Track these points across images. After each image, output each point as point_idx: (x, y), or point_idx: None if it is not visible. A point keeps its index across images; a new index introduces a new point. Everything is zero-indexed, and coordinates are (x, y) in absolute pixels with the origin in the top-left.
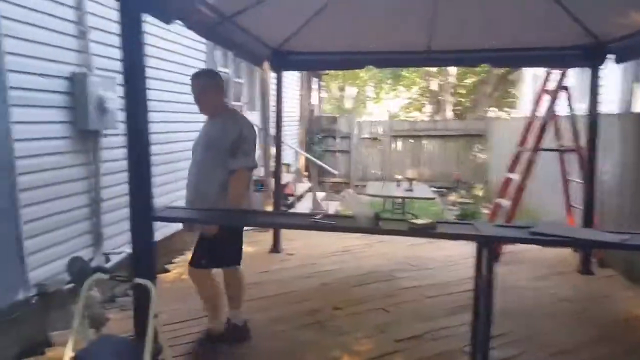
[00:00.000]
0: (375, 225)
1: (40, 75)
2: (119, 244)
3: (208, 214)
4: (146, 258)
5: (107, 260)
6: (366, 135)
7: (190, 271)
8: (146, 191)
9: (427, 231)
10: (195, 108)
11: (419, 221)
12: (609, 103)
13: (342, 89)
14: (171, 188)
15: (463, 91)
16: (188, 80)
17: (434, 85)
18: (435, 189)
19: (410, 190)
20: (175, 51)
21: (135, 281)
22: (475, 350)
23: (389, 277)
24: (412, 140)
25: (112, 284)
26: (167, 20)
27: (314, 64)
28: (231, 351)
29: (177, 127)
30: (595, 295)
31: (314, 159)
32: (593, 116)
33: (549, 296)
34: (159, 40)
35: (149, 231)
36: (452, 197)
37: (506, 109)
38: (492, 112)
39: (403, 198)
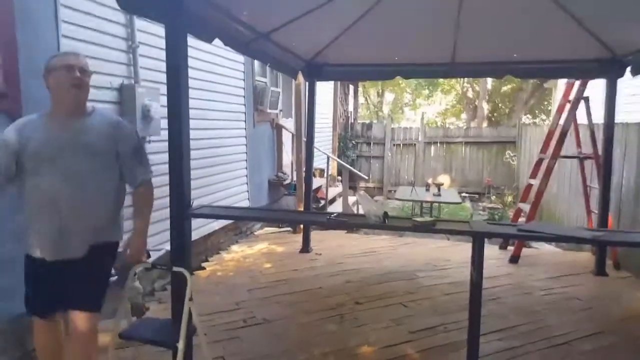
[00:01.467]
0: (382, 223)
1: (94, 87)
2: (158, 241)
3: (239, 210)
4: (183, 250)
5: (148, 256)
6: (400, 142)
7: (92, 326)
8: (184, 191)
9: (427, 227)
10: (236, 116)
11: (421, 219)
12: (635, 113)
13: (380, 95)
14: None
15: (498, 98)
16: (228, 90)
17: (469, 92)
18: (466, 194)
19: (439, 195)
20: (215, 62)
21: (174, 269)
22: (471, 338)
23: (410, 277)
24: (445, 147)
25: (153, 278)
26: (208, 40)
27: (345, 74)
28: (259, 338)
29: (222, 133)
30: (605, 294)
31: (345, 164)
32: (609, 125)
33: (560, 294)
34: (199, 52)
35: (186, 227)
36: (484, 202)
37: (542, 116)
38: (527, 119)
39: (431, 202)
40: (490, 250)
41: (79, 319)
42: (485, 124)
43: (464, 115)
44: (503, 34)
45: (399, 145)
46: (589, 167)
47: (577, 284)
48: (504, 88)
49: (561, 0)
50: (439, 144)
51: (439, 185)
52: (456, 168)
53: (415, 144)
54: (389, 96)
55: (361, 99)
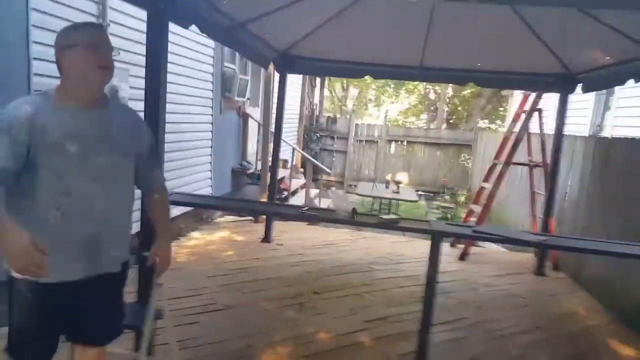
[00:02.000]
0: (351, 219)
1: None
2: None
3: (214, 199)
4: (152, 235)
5: None
6: (363, 137)
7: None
8: None
9: (391, 224)
10: (203, 101)
11: (386, 216)
12: (583, 126)
13: (345, 89)
14: (170, 176)
15: (458, 102)
16: (196, 74)
17: (432, 94)
18: (422, 193)
19: (397, 192)
20: (185, 46)
21: (143, 254)
22: (423, 328)
23: (367, 269)
24: (406, 145)
25: None
26: (185, 26)
27: (316, 69)
28: (220, 324)
29: (187, 118)
30: (544, 293)
31: (309, 156)
32: (558, 137)
33: (503, 291)
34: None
35: None
36: (438, 201)
37: (497, 121)
38: (483, 124)
39: (390, 199)
40: (442, 248)
41: (96, 355)
42: (444, 126)
43: (424, 116)
44: (469, 43)
45: (362, 141)
46: (537, 175)
47: (519, 282)
48: (464, 92)
49: (526, 18)
50: (400, 143)
51: (398, 183)
52: (415, 167)
53: (377, 141)
54: (353, 91)
55: (326, 92)
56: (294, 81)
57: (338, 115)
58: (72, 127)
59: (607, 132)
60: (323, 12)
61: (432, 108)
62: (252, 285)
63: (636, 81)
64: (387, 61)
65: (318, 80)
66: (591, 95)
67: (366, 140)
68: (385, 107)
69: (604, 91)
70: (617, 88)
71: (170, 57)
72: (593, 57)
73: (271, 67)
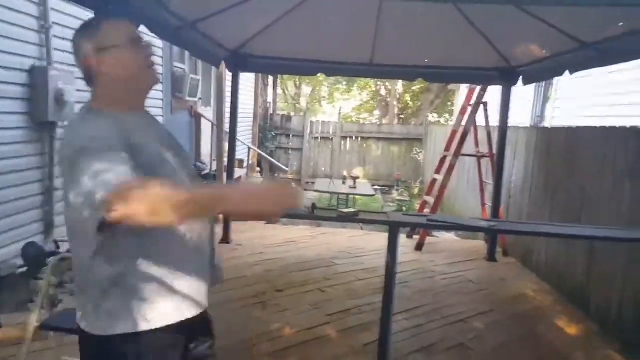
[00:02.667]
0: (311, 213)
1: (2, 67)
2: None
3: None
4: None
5: (57, 247)
6: (318, 135)
7: None
8: None
9: (350, 217)
10: (153, 102)
11: (345, 210)
12: (526, 117)
13: (297, 87)
14: None
15: (408, 97)
16: None
17: (383, 90)
18: (377, 187)
19: (354, 187)
20: None
21: None
22: (384, 318)
23: (327, 264)
24: (360, 141)
25: (63, 270)
26: (135, 26)
27: (268, 67)
28: None
29: None
30: (495, 278)
31: (265, 155)
32: (503, 128)
33: (458, 278)
34: None
35: None
36: (393, 194)
37: (446, 115)
38: (433, 118)
39: (347, 194)
40: (399, 239)
41: None
42: (395, 121)
43: (377, 112)
44: (416, 40)
45: (317, 138)
46: (485, 165)
47: (471, 268)
48: (414, 88)
49: (468, 14)
50: (354, 139)
51: (354, 178)
52: (370, 162)
53: (332, 138)
54: (306, 89)
55: (279, 91)
56: (247, 80)
57: (292, 113)
58: (155, 134)
59: (547, 123)
60: (273, 11)
61: (384, 104)
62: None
63: (571, 73)
64: (339, 58)
65: (270, 78)
66: (532, 87)
67: (321, 137)
68: (339, 104)
69: (543, 83)
70: (555, 80)
71: None
72: (531, 51)
73: (222, 66)
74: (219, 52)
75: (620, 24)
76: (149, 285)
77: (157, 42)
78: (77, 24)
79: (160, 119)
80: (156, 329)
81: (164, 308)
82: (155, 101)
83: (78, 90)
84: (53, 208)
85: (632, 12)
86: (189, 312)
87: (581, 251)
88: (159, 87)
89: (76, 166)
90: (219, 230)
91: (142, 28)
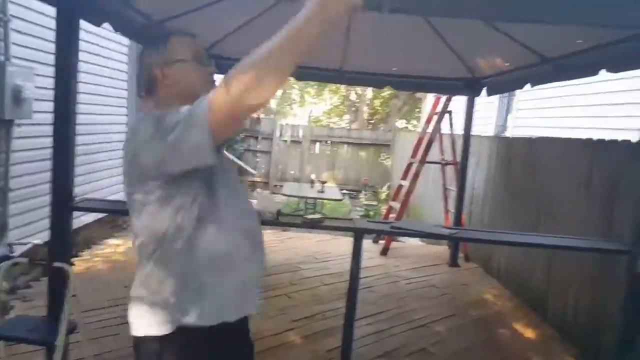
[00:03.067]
0: (276, 220)
1: None
2: (24, 234)
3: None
4: (64, 245)
5: (11, 250)
6: (287, 138)
7: None
8: (68, 182)
9: (315, 224)
10: (118, 101)
11: (310, 216)
12: (489, 126)
13: None
14: (83, 180)
15: (378, 103)
16: (109, 73)
17: (353, 95)
18: (346, 192)
19: (322, 192)
20: (96, 43)
21: (55, 265)
22: (347, 323)
23: (294, 269)
24: (330, 145)
25: (15, 275)
26: (97, 24)
27: None
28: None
29: (99, 119)
30: (457, 283)
31: (233, 157)
32: (467, 137)
33: (421, 283)
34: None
35: (68, 220)
36: (361, 199)
37: (414, 122)
38: (401, 124)
39: (315, 199)
40: (364, 244)
41: None
42: (365, 126)
43: (347, 116)
44: (385, 49)
45: (286, 141)
46: (449, 172)
47: (435, 273)
48: (383, 94)
49: (436, 26)
50: (324, 143)
51: (323, 182)
52: (339, 166)
53: (301, 141)
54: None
55: None
56: (216, 81)
57: (262, 116)
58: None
59: (509, 132)
60: (243, 13)
61: (354, 109)
62: None
63: (532, 85)
64: (309, 63)
65: None
66: (495, 98)
67: (291, 141)
68: (309, 108)
69: (507, 94)
70: (517, 91)
71: (81, 56)
72: (495, 63)
73: None
74: None
75: (579, 41)
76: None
77: (123, 40)
78: (37, 17)
79: (123, 119)
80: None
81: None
82: (120, 100)
83: (38, 87)
84: (7, 209)
85: (589, 30)
86: (224, 317)
87: (540, 258)
88: (123, 86)
89: (160, 125)
90: None
91: (106, 25)
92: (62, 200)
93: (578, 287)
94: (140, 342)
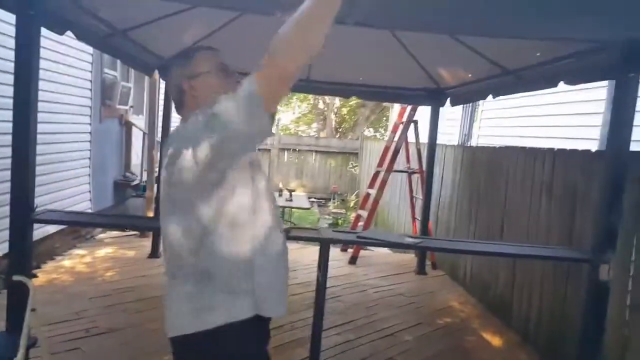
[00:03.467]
0: None
1: None
2: None
3: (93, 216)
4: (24, 258)
5: None
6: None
7: None
8: (29, 193)
9: None
10: (80, 110)
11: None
12: (454, 135)
13: None
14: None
15: (345, 112)
16: (71, 81)
17: (321, 103)
18: (314, 200)
19: (290, 200)
20: (59, 51)
21: (14, 278)
22: (314, 333)
23: None
24: (298, 154)
25: None
26: (60, 32)
27: None
28: (103, 348)
29: (60, 128)
30: (425, 290)
31: None
32: (432, 146)
33: (389, 291)
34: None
35: (28, 233)
36: (330, 207)
37: (381, 130)
38: (368, 133)
39: (283, 207)
40: (333, 253)
41: None
42: (333, 135)
43: (315, 125)
44: (352, 59)
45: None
46: (415, 181)
47: (402, 281)
48: (351, 103)
49: (402, 38)
50: (292, 151)
51: (291, 191)
52: (307, 174)
53: (270, 149)
54: None
55: None
56: None
57: None
58: None
59: (474, 141)
60: (209, 23)
61: (322, 117)
62: (138, 305)
63: (494, 96)
64: None
65: None
66: (460, 108)
67: (259, 149)
68: (278, 116)
69: (470, 104)
70: (481, 102)
71: (41, 63)
72: (458, 74)
73: (156, 74)
74: (152, 61)
75: (538, 54)
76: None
77: (88, 48)
78: None
79: (87, 127)
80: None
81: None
82: (82, 108)
83: None
84: None
85: (547, 44)
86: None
87: (504, 265)
88: (86, 94)
89: (216, 119)
90: (147, 244)
91: (69, 34)
92: (22, 212)
93: (541, 294)
94: (215, 333)
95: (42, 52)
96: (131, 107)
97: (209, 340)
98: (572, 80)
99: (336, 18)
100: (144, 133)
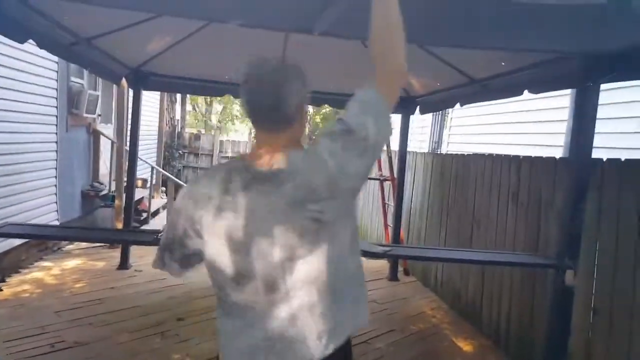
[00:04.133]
0: None
1: None
2: None
3: (58, 229)
4: None
5: None
6: (228, 154)
7: None
8: None
9: None
10: (45, 119)
11: None
12: (425, 142)
13: (208, 104)
14: (5, 202)
15: (319, 119)
16: (35, 89)
17: None
18: None
19: None
20: (21, 58)
21: None
22: None
23: None
24: None
25: None
26: (21, 41)
27: (174, 86)
28: None
29: (24, 137)
30: (397, 297)
31: (170, 175)
32: (402, 153)
33: None
34: (3, 47)
35: None
36: None
37: None
38: None
39: None
40: None
41: None
42: (307, 142)
43: None
44: (323, 68)
45: (227, 157)
46: (387, 188)
47: (375, 288)
48: (323, 110)
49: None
50: None
51: None
52: None
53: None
54: (218, 106)
55: (189, 107)
56: (152, 96)
57: (202, 131)
58: None
59: (444, 148)
60: (176, 31)
61: None
62: (106, 317)
63: (462, 105)
64: None
65: (179, 95)
66: (430, 115)
67: (231, 157)
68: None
69: (440, 112)
70: (450, 110)
71: (3, 71)
72: (427, 83)
73: (124, 82)
74: (119, 69)
75: (503, 63)
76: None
77: (52, 55)
78: None
79: (53, 137)
80: None
81: None
82: (49, 117)
83: None
84: None
85: (512, 54)
86: None
87: (473, 270)
88: (52, 102)
89: (350, 137)
90: (116, 254)
91: (32, 42)
92: None
93: (510, 299)
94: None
95: (3, 60)
96: (99, 115)
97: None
98: (536, 89)
99: (304, 28)
100: (113, 142)
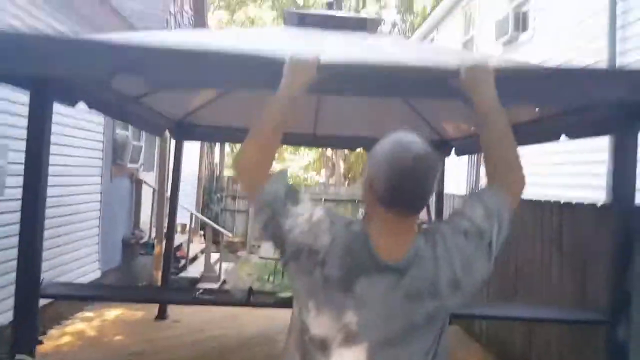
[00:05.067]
0: (247, 299)
1: None
2: None
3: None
4: (30, 335)
5: None
6: None
7: None
8: (36, 266)
9: (289, 302)
10: (91, 170)
11: (283, 294)
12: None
13: None
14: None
15: (353, 158)
16: (82, 143)
17: (329, 151)
18: None
19: None
20: (71, 115)
21: (17, 357)
22: None
23: (271, 340)
24: None
25: None
26: (71, 104)
27: (214, 136)
28: None
29: (70, 190)
30: None
31: (208, 220)
32: (440, 195)
33: None
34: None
35: (33, 305)
36: None
37: None
38: None
39: None
40: None
41: None
42: (342, 181)
43: (324, 171)
44: (357, 114)
45: None
46: None
47: None
48: (358, 150)
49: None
50: None
51: None
52: None
53: None
54: None
55: (227, 149)
56: (193, 142)
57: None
58: None
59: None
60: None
61: (330, 164)
62: None
63: None
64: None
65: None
66: (466, 157)
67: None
68: (287, 164)
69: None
70: None
71: (53, 127)
72: (460, 127)
73: (166, 133)
74: (163, 122)
75: (537, 109)
76: None
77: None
78: (7, 94)
79: (97, 187)
80: None
81: None
82: (94, 169)
83: (10, 163)
84: None
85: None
86: None
87: (519, 322)
88: (98, 155)
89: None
90: (154, 306)
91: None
92: (28, 284)
93: (560, 352)
94: None
95: (54, 117)
96: (142, 164)
97: None
98: (573, 134)
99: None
100: (154, 189)
